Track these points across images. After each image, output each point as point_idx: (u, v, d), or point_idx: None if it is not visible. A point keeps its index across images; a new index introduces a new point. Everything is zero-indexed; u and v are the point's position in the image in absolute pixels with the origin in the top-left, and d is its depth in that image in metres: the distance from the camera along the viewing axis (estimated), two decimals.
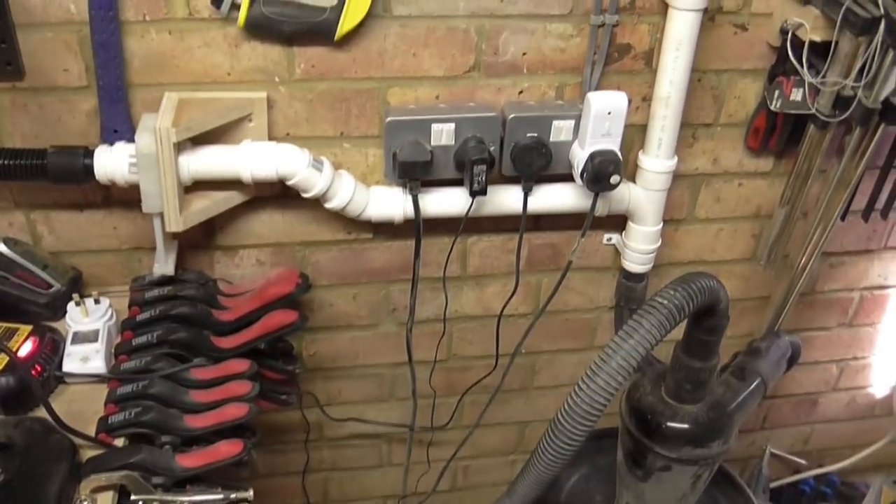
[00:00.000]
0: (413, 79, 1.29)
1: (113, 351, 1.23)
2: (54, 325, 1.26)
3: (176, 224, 1.20)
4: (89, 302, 1.26)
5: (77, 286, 1.32)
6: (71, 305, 1.25)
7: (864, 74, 1.25)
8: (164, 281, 1.31)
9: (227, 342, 1.26)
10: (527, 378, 1.75)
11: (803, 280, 1.55)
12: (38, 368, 1.15)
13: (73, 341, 1.22)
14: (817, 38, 1.27)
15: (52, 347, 1.20)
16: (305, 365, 1.59)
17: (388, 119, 1.26)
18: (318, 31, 1.20)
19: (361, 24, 1.21)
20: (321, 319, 1.54)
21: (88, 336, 1.23)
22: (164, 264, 1.29)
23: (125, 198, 1.29)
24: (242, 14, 1.16)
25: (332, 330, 1.57)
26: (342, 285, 1.51)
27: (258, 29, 1.19)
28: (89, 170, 1.19)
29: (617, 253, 1.55)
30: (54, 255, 1.34)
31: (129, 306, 1.29)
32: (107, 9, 1.13)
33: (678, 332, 1.19)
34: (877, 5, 1.21)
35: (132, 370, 1.18)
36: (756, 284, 1.69)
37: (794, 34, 1.29)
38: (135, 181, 1.19)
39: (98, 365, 1.20)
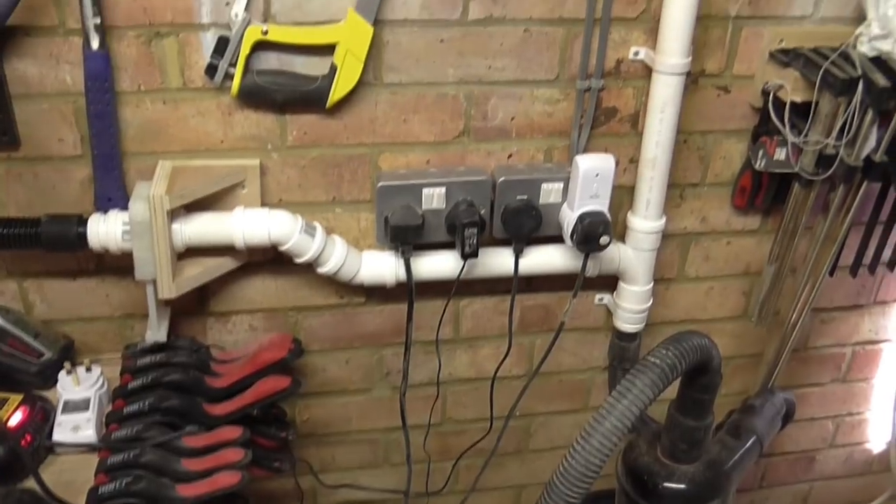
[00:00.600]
0: (404, 144, 1.31)
1: (104, 419, 1.22)
2: (45, 393, 1.25)
3: (169, 291, 1.21)
4: (81, 370, 1.26)
5: (69, 354, 1.32)
6: (62, 374, 1.25)
7: (845, 133, 1.28)
8: (157, 348, 1.30)
9: (220, 409, 1.25)
10: (522, 441, 1.74)
11: (795, 336, 1.56)
12: (29, 438, 1.14)
13: (64, 410, 1.21)
14: (798, 99, 1.30)
15: (42, 416, 1.19)
16: (298, 431, 1.57)
17: (380, 184, 1.27)
18: (310, 99, 1.22)
19: (352, 92, 1.23)
20: (314, 385, 1.53)
21: (79, 405, 1.22)
22: (156, 331, 1.28)
23: (118, 265, 1.30)
24: (236, 83, 1.19)
25: (325, 395, 1.56)
26: (335, 350, 1.51)
27: (251, 98, 1.22)
28: (83, 238, 1.19)
29: (609, 313, 1.56)
30: (46, 323, 1.34)
31: (121, 374, 1.28)
32: (103, 80, 1.15)
33: (672, 392, 1.18)
34: (854, 67, 1.25)
35: (123, 439, 1.16)
36: (748, 342, 1.70)
37: (775, 95, 1.33)
38: (128, 248, 1.19)
39: (89, 434, 1.19)
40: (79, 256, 1.30)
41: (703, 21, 1.29)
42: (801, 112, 1.31)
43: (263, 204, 1.29)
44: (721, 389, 1.21)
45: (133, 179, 1.25)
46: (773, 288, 1.53)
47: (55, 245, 1.20)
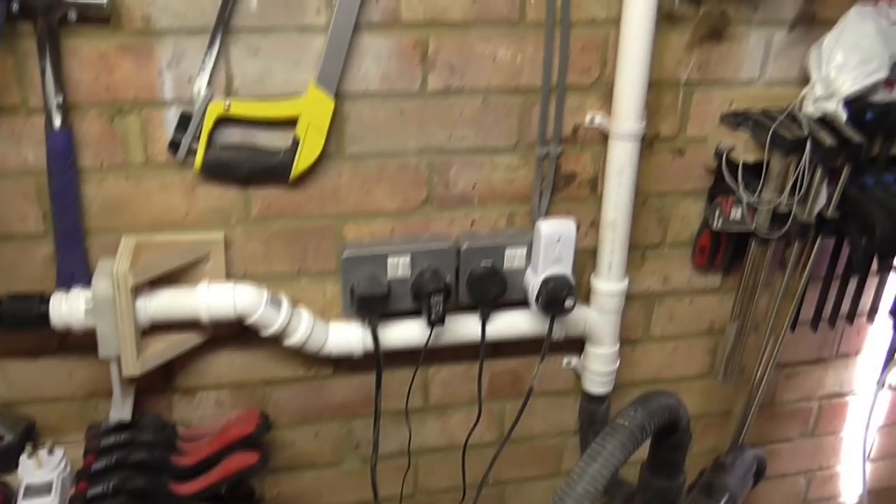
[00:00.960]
0: (368, 214, 1.33)
1: (67, 503, 1.19)
2: (6, 477, 1.22)
3: (133, 368, 1.19)
4: (42, 453, 1.23)
5: (30, 436, 1.29)
6: (23, 457, 1.22)
7: (797, 191, 1.32)
8: (121, 427, 1.28)
9: (187, 488, 1.22)
10: None
11: (761, 392, 1.57)
12: None
13: (26, 495, 1.18)
14: (750, 160, 1.34)
15: (3, 501, 1.16)
16: None
17: (345, 254, 1.28)
18: (274, 172, 1.24)
19: (315, 164, 1.25)
20: (283, 459, 1.51)
21: (41, 489, 1.19)
22: (120, 410, 1.26)
23: (81, 343, 1.28)
24: (199, 158, 1.20)
25: (294, 470, 1.53)
26: (303, 423, 1.49)
27: (214, 172, 1.23)
28: (45, 316, 1.18)
29: (577, 376, 1.56)
30: (7, 404, 1.31)
31: (84, 455, 1.25)
32: (65, 157, 1.16)
33: (643, 452, 1.19)
34: (801, 127, 1.29)
35: None
36: (716, 399, 1.71)
37: (728, 156, 1.36)
38: (91, 326, 1.18)
39: None
40: (41, 335, 1.27)
41: (655, 87, 1.33)
42: (754, 172, 1.35)
43: (228, 277, 1.29)
44: (692, 448, 1.21)
45: (96, 256, 1.24)
46: (737, 345, 1.55)
47: (17, 324, 1.19)
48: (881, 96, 1.34)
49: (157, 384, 1.37)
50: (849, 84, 1.28)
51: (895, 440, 1.97)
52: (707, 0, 1.28)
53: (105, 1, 1.08)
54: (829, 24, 1.31)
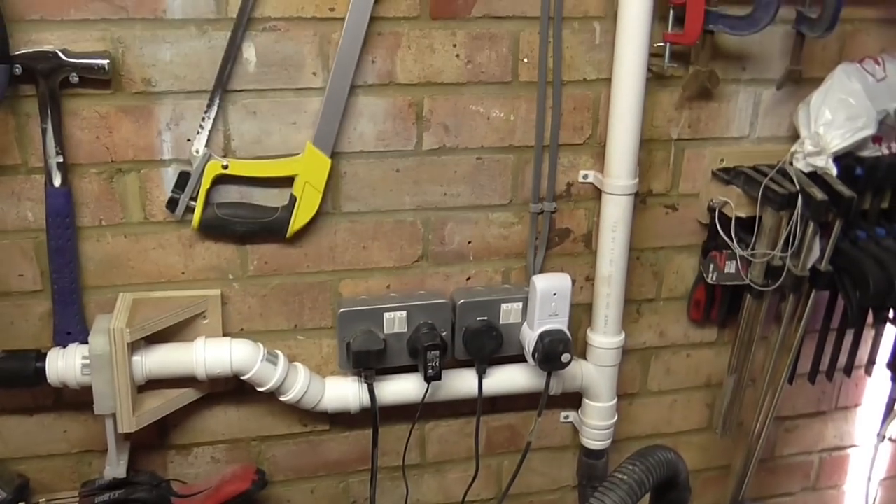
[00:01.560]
0: (364, 270, 1.34)
1: None
2: None
3: (129, 425, 1.19)
4: None
5: (24, 494, 1.28)
6: None
7: (790, 245, 1.33)
8: (116, 484, 1.27)
9: None
10: None
11: (761, 446, 1.56)
12: None
13: None
14: (743, 214, 1.36)
15: None
16: None
17: (341, 310, 1.29)
18: (271, 230, 1.25)
19: (312, 221, 1.26)
20: None
21: None
22: (115, 466, 1.26)
23: (76, 400, 1.28)
24: (196, 216, 1.21)
25: None
26: (300, 480, 1.48)
27: (212, 230, 1.24)
28: (41, 373, 1.18)
29: (575, 431, 1.55)
30: (1, 462, 1.31)
31: None
32: (64, 216, 1.17)
33: None
34: (792, 182, 1.31)
35: None
36: (715, 454, 1.70)
37: (721, 211, 1.38)
38: (87, 383, 1.18)
39: None
40: (36, 392, 1.28)
41: (647, 144, 1.35)
42: (747, 226, 1.36)
43: (225, 333, 1.30)
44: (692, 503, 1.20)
45: (93, 313, 1.25)
46: (735, 398, 1.54)
47: (12, 381, 1.19)
48: (870, 151, 1.36)
49: (152, 440, 1.37)
50: (837, 140, 1.30)
51: None
52: (696, 60, 1.31)
53: (106, 64, 1.11)
54: (816, 82, 1.34)
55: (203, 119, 1.18)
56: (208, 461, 1.41)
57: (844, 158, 1.33)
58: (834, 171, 1.31)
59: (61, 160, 1.14)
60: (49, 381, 1.19)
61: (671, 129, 1.37)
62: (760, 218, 1.34)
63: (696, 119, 1.37)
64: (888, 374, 1.60)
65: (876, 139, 1.35)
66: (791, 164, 1.35)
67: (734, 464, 1.65)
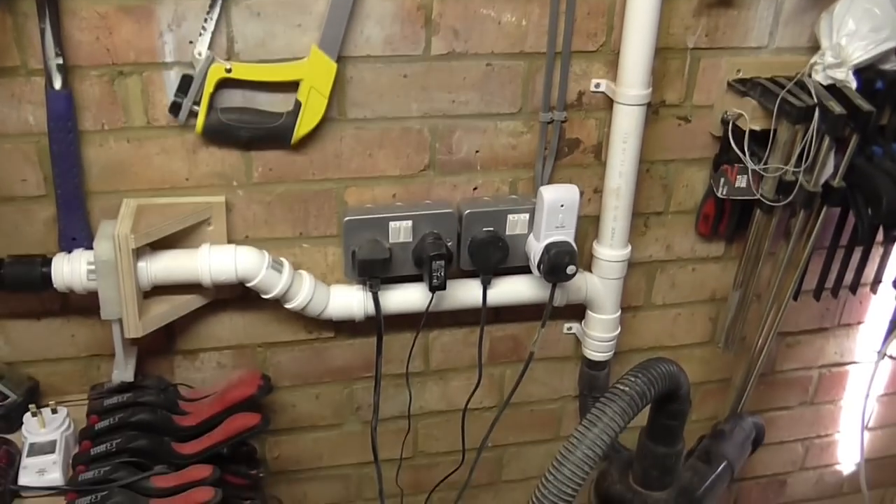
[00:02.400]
0: (370, 179, 1.32)
1: (71, 462, 1.20)
2: (10, 437, 1.23)
3: (135, 330, 1.20)
4: (46, 412, 1.24)
5: (34, 396, 1.30)
6: (27, 416, 1.23)
7: (804, 160, 1.31)
8: (124, 388, 1.29)
9: (189, 448, 1.23)
10: (495, 472, 1.73)
11: (762, 361, 1.58)
12: None
13: (30, 453, 1.19)
14: (757, 128, 1.33)
15: (7, 460, 1.17)
16: (269, 468, 1.56)
17: (346, 218, 1.28)
18: (275, 136, 1.23)
19: (317, 128, 1.24)
20: (284, 421, 1.52)
21: (45, 447, 1.20)
22: (123, 371, 1.27)
23: (83, 305, 1.28)
24: (200, 121, 1.19)
25: (295, 431, 1.55)
26: (304, 385, 1.50)
27: (216, 135, 1.22)
28: (47, 278, 1.18)
29: (578, 342, 1.56)
30: (10, 365, 1.32)
31: (88, 415, 1.26)
32: (66, 119, 1.15)
33: (643, 419, 1.19)
34: (810, 95, 1.28)
35: (91, 481, 1.15)
36: (716, 367, 1.71)
37: (734, 124, 1.35)
38: (93, 288, 1.18)
39: (55, 477, 1.17)
40: (43, 297, 1.28)
41: (662, 53, 1.31)
42: (761, 140, 1.34)
43: (230, 241, 1.29)
44: (691, 415, 1.22)
45: (97, 219, 1.24)
46: (739, 313, 1.55)
47: (19, 286, 1.19)
48: (892, 65, 1.32)
49: (159, 346, 1.38)
50: (860, 52, 1.26)
51: (894, 409, 1.98)
52: None
53: None
54: None
55: (205, 20, 1.14)
56: (214, 366, 1.43)
57: (865, 72, 1.29)
58: (854, 84, 1.28)
59: (61, 62, 1.11)
60: (55, 286, 1.19)
61: (687, 37, 1.33)
62: (775, 131, 1.32)
63: (714, 27, 1.33)
64: (893, 292, 1.60)
65: None
66: (810, 76, 1.31)
67: (734, 377, 1.67)
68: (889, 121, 1.36)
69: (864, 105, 1.26)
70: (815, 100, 1.27)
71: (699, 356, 1.69)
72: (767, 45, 1.37)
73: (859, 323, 1.79)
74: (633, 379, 1.10)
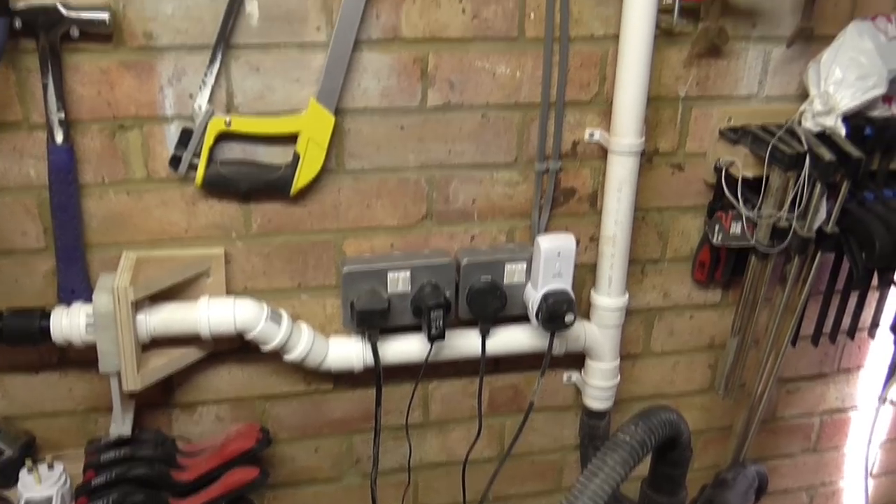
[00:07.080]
0: (368, 229, 1.33)
1: None
2: (6, 492, 1.22)
3: (134, 383, 1.19)
4: (42, 468, 1.23)
5: (30, 451, 1.29)
6: (23, 472, 1.22)
7: (797, 206, 1.32)
8: (121, 442, 1.28)
9: (187, 503, 1.22)
10: None
11: (762, 407, 1.57)
12: None
13: None
14: (750, 175, 1.35)
15: None
16: None
17: (345, 269, 1.28)
18: (274, 188, 1.24)
19: (316, 179, 1.25)
20: (283, 475, 1.50)
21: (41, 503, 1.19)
22: (120, 425, 1.26)
23: (81, 358, 1.28)
24: (200, 174, 1.20)
25: (294, 485, 1.53)
26: (304, 438, 1.49)
27: (215, 187, 1.23)
28: (45, 331, 1.18)
29: (578, 391, 1.56)
30: (7, 419, 1.31)
31: (84, 470, 1.25)
32: (66, 172, 1.16)
33: (644, 469, 1.18)
34: (800, 142, 1.29)
35: None
36: (717, 414, 1.71)
37: (727, 171, 1.37)
38: (92, 341, 1.18)
39: None
40: (41, 350, 1.28)
41: (654, 102, 1.34)
42: (754, 187, 1.35)
43: (229, 292, 1.30)
44: (693, 464, 1.21)
45: (97, 271, 1.24)
46: (738, 360, 1.55)
47: (17, 339, 1.19)
48: (880, 112, 1.34)
49: (156, 399, 1.37)
50: (847, 100, 1.29)
51: None
52: (705, 16, 1.29)
53: (107, 17, 1.09)
54: (827, 39, 1.32)
55: (205, 75, 1.16)
56: (213, 419, 1.42)
57: (854, 118, 1.31)
58: (843, 131, 1.30)
59: (63, 116, 1.13)
60: (54, 339, 1.19)
61: (679, 87, 1.35)
62: (767, 178, 1.33)
63: (705, 77, 1.36)
64: (891, 336, 1.60)
65: (886, 99, 1.33)
66: (800, 123, 1.34)
67: (735, 425, 1.66)
68: (879, 166, 1.38)
69: (854, 151, 1.28)
70: (806, 147, 1.29)
71: (699, 403, 1.68)
72: (757, 94, 1.40)
73: (858, 368, 1.79)
74: (633, 428, 1.09)
